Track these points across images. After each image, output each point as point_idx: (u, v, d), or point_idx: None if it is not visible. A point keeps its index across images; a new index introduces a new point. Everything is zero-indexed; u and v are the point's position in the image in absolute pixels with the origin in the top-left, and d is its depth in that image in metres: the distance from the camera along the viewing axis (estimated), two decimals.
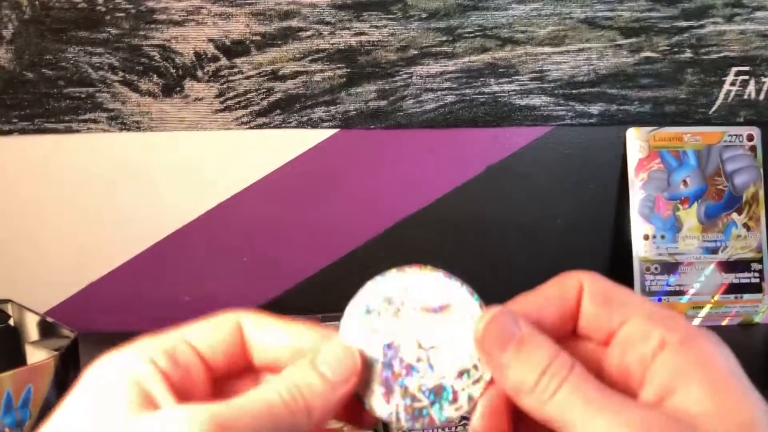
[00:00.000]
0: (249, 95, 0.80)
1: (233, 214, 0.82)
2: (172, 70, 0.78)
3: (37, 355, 0.61)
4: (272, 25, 0.78)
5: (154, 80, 0.78)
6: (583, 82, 0.82)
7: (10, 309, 0.65)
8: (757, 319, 0.81)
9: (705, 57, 0.82)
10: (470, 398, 0.29)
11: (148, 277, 0.82)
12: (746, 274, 0.81)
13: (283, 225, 0.82)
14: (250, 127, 0.80)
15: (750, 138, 0.82)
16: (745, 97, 0.83)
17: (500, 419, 0.28)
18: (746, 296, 0.81)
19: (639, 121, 0.83)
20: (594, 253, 0.85)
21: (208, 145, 0.80)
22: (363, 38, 0.79)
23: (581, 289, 0.29)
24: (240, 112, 0.80)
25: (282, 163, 0.82)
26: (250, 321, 0.30)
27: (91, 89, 0.78)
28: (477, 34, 0.80)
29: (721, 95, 0.83)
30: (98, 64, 0.77)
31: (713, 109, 0.83)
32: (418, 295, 0.30)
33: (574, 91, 0.82)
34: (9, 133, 0.78)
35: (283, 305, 0.82)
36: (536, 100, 0.82)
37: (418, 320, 0.30)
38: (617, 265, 0.84)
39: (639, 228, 0.81)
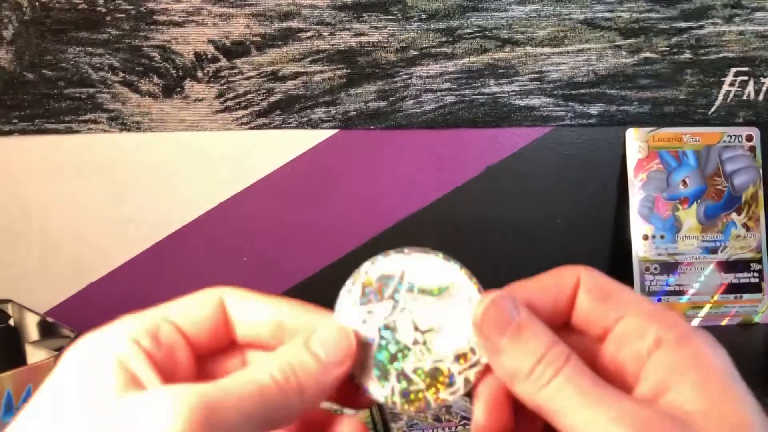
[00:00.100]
0: (249, 96, 0.80)
1: (233, 214, 0.82)
2: (173, 71, 0.78)
3: (37, 355, 0.61)
4: (272, 25, 0.78)
5: (154, 81, 0.78)
6: (583, 82, 0.82)
7: (10, 309, 0.65)
8: (757, 319, 0.81)
9: (704, 58, 0.82)
10: (467, 382, 0.29)
11: (148, 277, 0.82)
12: (746, 274, 0.81)
13: (283, 225, 0.83)
14: (250, 128, 0.80)
15: (749, 138, 0.83)
16: (744, 97, 0.83)
17: (503, 413, 0.28)
18: (746, 296, 0.81)
19: (638, 121, 0.83)
20: (594, 253, 0.85)
21: (209, 145, 0.81)
22: (363, 39, 0.79)
23: (578, 283, 0.29)
24: (240, 113, 0.80)
25: (282, 164, 0.82)
26: (233, 296, 0.29)
27: (91, 90, 0.78)
28: (477, 34, 0.80)
29: (721, 96, 0.83)
30: (98, 65, 0.77)
31: (712, 109, 0.84)
32: (416, 277, 0.29)
33: (573, 92, 0.82)
34: (9, 133, 0.78)
35: None
36: (536, 101, 0.82)
37: (416, 302, 0.29)
38: (617, 265, 0.84)
39: (638, 228, 0.81)
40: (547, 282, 0.29)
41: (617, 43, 0.81)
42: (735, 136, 0.82)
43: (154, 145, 0.80)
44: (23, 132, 0.79)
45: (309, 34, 0.78)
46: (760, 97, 0.84)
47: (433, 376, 0.29)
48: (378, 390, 0.29)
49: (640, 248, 0.81)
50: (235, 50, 0.78)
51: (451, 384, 0.29)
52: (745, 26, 0.81)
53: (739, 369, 0.63)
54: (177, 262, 0.82)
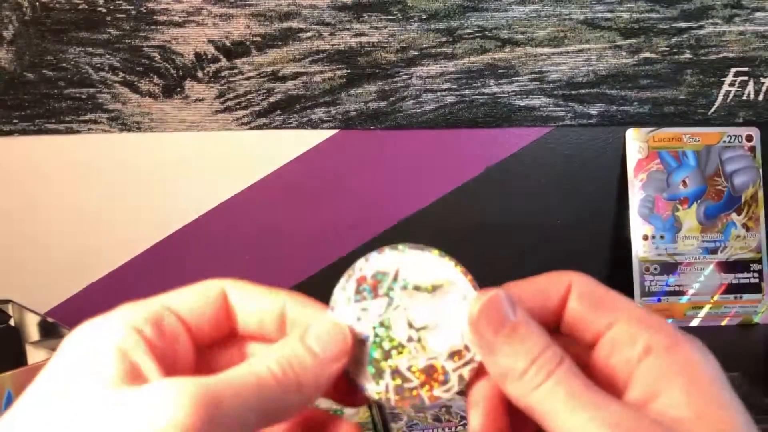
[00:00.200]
0: (249, 96, 0.80)
1: (233, 214, 0.82)
2: (173, 71, 0.78)
3: (37, 355, 0.61)
4: (272, 26, 0.78)
5: (154, 81, 0.78)
6: (583, 82, 0.82)
7: (10, 309, 0.65)
8: (757, 319, 0.81)
9: (704, 58, 0.82)
10: (461, 379, 0.29)
11: (148, 277, 0.82)
12: (745, 275, 0.81)
13: (283, 225, 0.83)
14: (251, 128, 0.80)
15: (749, 138, 0.83)
16: (744, 97, 0.83)
17: (498, 420, 0.28)
18: (745, 296, 0.81)
19: (638, 121, 0.83)
20: (593, 253, 0.85)
21: (209, 145, 0.81)
22: (363, 39, 0.79)
23: (569, 288, 0.29)
24: (240, 113, 0.80)
25: (282, 164, 0.82)
26: (235, 288, 0.29)
27: (91, 90, 0.78)
28: (477, 35, 0.80)
29: (720, 96, 0.83)
30: (99, 65, 0.77)
31: (712, 109, 0.84)
32: (411, 274, 0.29)
33: (573, 92, 0.82)
34: (9, 133, 0.78)
35: None
36: (536, 101, 0.82)
37: (410, 299, 0.29)
38: (617, 266, 0.84)
39: (638, 228, 0.81)
40: (539, 285, 0.29)
41: (617, 44, 0.81)
42: (735, 136, 0.82)
43: (154, 145, 0.80)
44: (23, 132, 0.79)
45: (309, 34, 0.79)
46: (760, 97, 0.84)
47: (428, 373, 0.29)
48: (372, 387, 0.29)
49: (639, 248, 0.81)
50: (235, 50, 0.78)
51: (445, 381, 0.29)
52: (745, 26, 0.81)
53: (739, 369, 0.63)
54: (177, 262, 0.82)
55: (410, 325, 0.29)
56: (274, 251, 0.83)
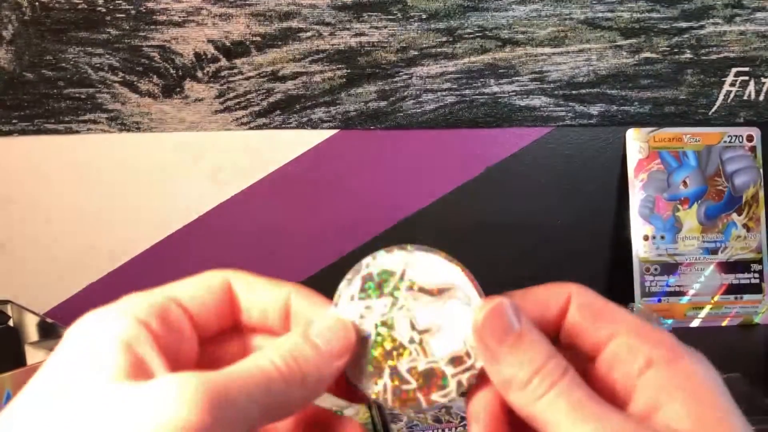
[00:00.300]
0: (249, 96, 0.80)
1: (233, 214, 0.82)
2: (172, 71, 0.78)
3: (36, 355, 0.61)
4: (272, 25, 0.78)
5: (154, 81, 0.78)
6: (583, 82, 0.82)
7: (9, 310, 0.65)
8: (757, 319, 0.81)
9: (705, 58, 0.82)
10: (459, 385, 0.28)
11: (148, 277, 0.82)
12: (746, 275, 0.81)
13: (283, 225, 0.82)
14: (250, 128, 0.80)
15: (750, 139, 0.82)
16: (745, 97, 0.83)
17: (499, 429, 0.28)
18: (746, 297, 0.81)
19: (639, 121, 0.83)
20: (594, 253, 0.85)
21: (208, 145, 0.80)
22: (363, 39, 0.79)
23: (568, 299, 0.28)
24: (240, 113, 0.80)
25: (282, 164, 0.82)
26: (239, 279, 0.29)
27: (91, 90, 0.78)
28: (477, 34, 0.80)
29: (721, 96, 0.83)
30: (98, 65, 0.77)
31: (713, 109, 0.83)
32: (417, 275, 0.29)
33: (574, 92, 0.82)
34: (9, 133, 0.78)
35: None
36: (536, 101, 0.82)
37: (415, 301, 0.29)
38: (617, 266, 0.84)
39: (639, 229, 0.81)
40: (538, 295, 0.29)
41: (618, 43, 0.81)
42: (735, 136, 0.82)
43: (153, 145, 0.80)
44: (23, 132, 0.78)
45: (309, 34, 0.78)
46: (761, 97, 0.83)
47: (427, 376, 0.29)
48: (370, 386, 0.29)
49: (640, 249, 0.81)
50: (235, 50, 0.78)
51: (443, 386, 0.28)
52: (746, 26, 0.81)
53: (740, 370, 0.63)
54: (177, 262, 0.82)
55: (413, 327, 0.29)
56: (274, 251, 0.83)
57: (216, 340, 0.29)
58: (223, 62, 0.78)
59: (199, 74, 0.78)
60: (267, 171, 0.82)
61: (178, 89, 0.79)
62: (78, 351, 0.25)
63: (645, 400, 0.25)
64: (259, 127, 0.80)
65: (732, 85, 0.83)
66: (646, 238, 0.81)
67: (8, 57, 0.76)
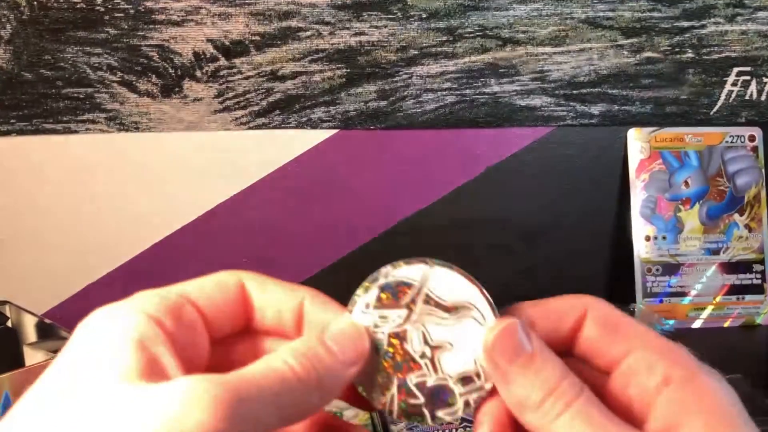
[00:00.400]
0: (248, 95, 0.79)
1: (233, 214, 0.82)
2: (171, 71, 0.78)
3: (35, 356, 0.61)
4: (271, 25, 0.78)
5: (152, 80, 0.78)
6: (584, 82, 0.81)
7: (8, 310, 0.65)
8: (759, 320, 0.81)
9: (706, 57, 0.82)
10: (466, 405, 0.28)
11: (147, 278, 0.81)
12: (748, 276, 0.81)
13: (282, 225, 0.82)
14: (250, 128, 0.80)
15: (752, 138, 0.82)
16: (747, 97, 0.83)
17: None
18: (748, 297, 0.80)
19: (640, 121, 0.83)
20: (595, 254, 0.85)
21: (208, 145, 0.80)
22: (363, 38, 0.79)
23: (584, 313, 0.28)
24: (239, 113, 0.80)
25: (281, 164, 0.81)
26: (253, 280, 0.29)
27: (89, 89, 0.78)
28: (477, 34, 0.79)
29: (723, 96, 0.83)
30: (97, 65, 0.77)
31: (715, 109, 0.83)
32: (436, 290, 0.29)
33: (575, 92, 0.82)
34: (7, 133, 0.78)
35: None
36: (537, 101, 0.81)
37: (430, 315, 0.29)
38: (618, 266, 0.84)
39: (640, 229, 0.81)
40: (553, 307, 0.29)
41: (619, 43, 0.81)
42: (737, 136, 0.82)
43: (152, 145, 0.80)
44: (21, 132, 0.78)
45: (308, 33, 0.78)
46: (763, 97, 0.83)
47: (435, 393, 0.28)
48: (378, 396, 0.29)
49: (641, 249, 0.80)
50: (234, 50, 0.78)
51: (450, 404, 0.28)
52: (748, 26, 0.81)
53: (742, 370, 0.63)
54: (176, 262, 0.82)
55: (426, 342, 0.29)
56: (274, 251, 0.82)
57: (226, 341, 0.29)
58: (223, 62, 0.78)
59: (198, 74, 0.78)
60: (267, 171, 0.81)
61: (177, 89, 0.78)
62: (88, 347, 0.24)
63: (663, 419, 0.25)
64: (259, 127, 0.80)
65: (734, 84, 0.82)
66: (647, 238, 0.80)
67: (6, 57, 0.76)
